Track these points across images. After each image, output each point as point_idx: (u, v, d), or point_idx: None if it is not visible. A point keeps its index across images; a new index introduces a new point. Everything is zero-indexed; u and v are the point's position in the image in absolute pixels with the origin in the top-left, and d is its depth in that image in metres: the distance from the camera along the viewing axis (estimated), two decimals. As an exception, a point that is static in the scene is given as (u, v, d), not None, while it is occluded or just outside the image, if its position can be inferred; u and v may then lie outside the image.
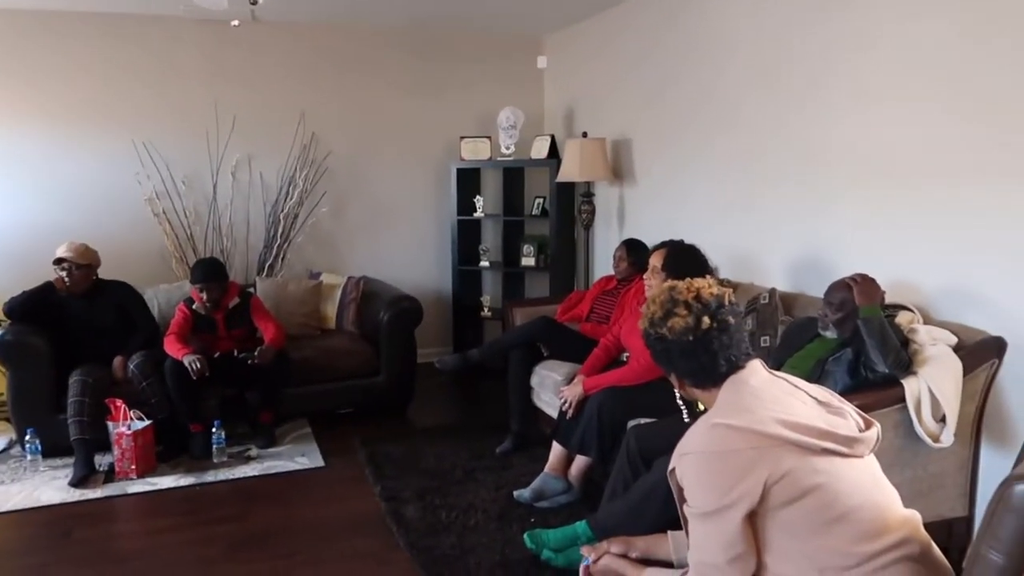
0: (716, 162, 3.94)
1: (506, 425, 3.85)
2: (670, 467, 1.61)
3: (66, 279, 3.80)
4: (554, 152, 5.16)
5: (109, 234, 4.68)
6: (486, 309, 5.48)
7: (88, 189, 4.81)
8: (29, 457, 3.65)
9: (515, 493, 3.20)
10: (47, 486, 3.46)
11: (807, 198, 3.37)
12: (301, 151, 5.18)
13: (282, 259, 5.15)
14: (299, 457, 3.78)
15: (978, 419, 2.55)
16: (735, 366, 1.59)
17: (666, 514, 2.52)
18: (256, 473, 3.61)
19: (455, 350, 5.27)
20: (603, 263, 4.97)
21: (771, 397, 1.56)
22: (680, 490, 1.57)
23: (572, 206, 5.22)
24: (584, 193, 4.89)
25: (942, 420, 2.41)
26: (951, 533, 2.54)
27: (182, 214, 4.99)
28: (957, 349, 2.48)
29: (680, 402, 2.90)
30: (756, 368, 1.62)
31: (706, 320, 1.59)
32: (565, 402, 3.25)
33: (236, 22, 3.91)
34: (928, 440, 2.36)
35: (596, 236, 5.02)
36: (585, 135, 4.75)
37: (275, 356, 3.91)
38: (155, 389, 3.76)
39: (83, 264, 3.85)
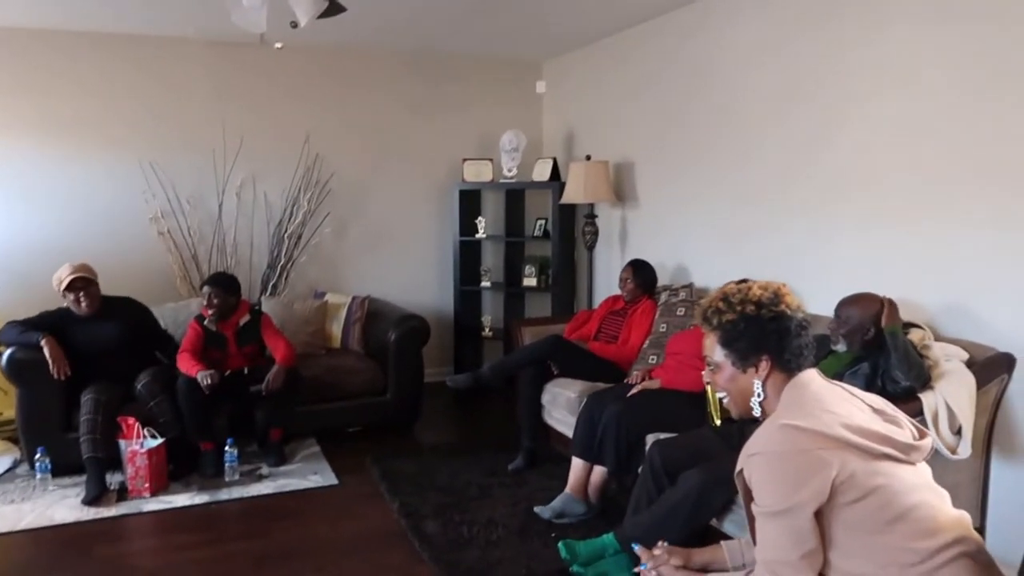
0: (720, 187, 4.06)
1: (516, 443, 3.89)
2: (737, 468, 1.65)
3: (82, 299, 3.78)
4: (556, 174, 5.26)
5: (113, 252, 4.68)
6: (487, 329, 5.53)
7: (93, 208, 4.80)
8: (39, 476, 3.62)
9: (536, 509, 3.25)
10: (59, 505, 3.44)
11: (812, 224, 3.49)
12: (305, 172, 5.22)
13: (286, 279, 5.17)
14: (312, 475, 3.79)
15: (989, 432, 2.66)
16: (807, 363, 1.67)
17: (693, 526, 2.60)
18: (270, 491, 3.61)
19: (456, 370, 5.31)
20: (605, 283, 5.06)
21: (832, 401, 1.62)
22: (748, 491, 1.61)
23: (574, 227, 5.31)
24: (587, 215, 4.98)
25: (957, 433, 2.50)
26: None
27: (187, 233, 5.00)
28: (969, 365, 2.59)
29: (713, 408, 2.93)
30: (814, 374, 1.70)
31: (802, 312, 1.69)
32: (634, 386, 3.42)
33: (279, 44, 3.98)
34: (947, 452, 2.45)
35: (598, 257, 5.11)
36: (589, 158, 4.86)
37: (286, 377, 3.92)
38: (164, 408, 3.75)
39: (93, 280, 3.85)
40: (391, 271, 5.56)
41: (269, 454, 3.96)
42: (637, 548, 2.03)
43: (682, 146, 4.34)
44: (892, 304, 2.70)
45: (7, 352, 3.73)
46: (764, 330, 1.67)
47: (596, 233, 4.97)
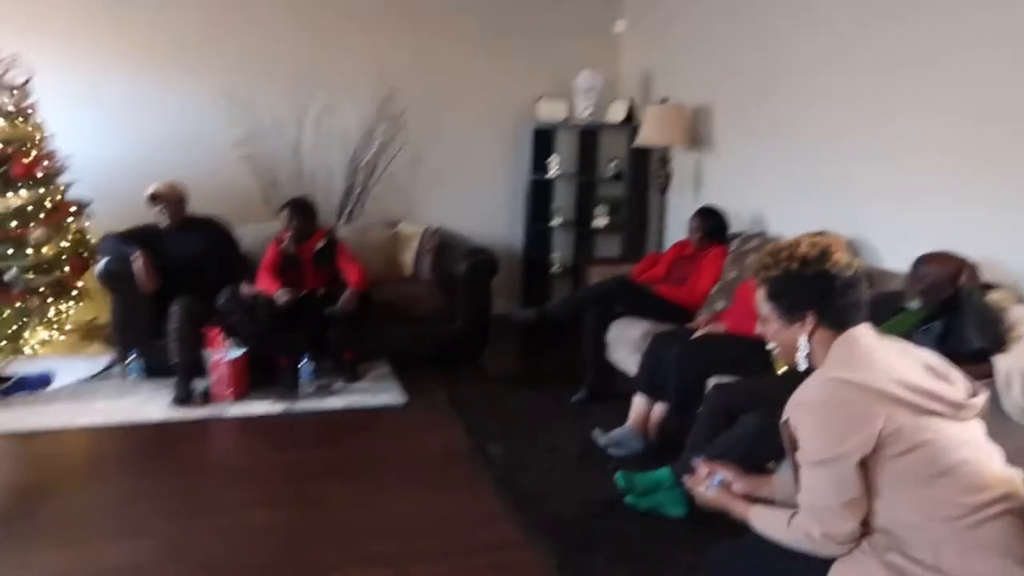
0: (799, 134, 3.96)
1: (580, 377, 3.98)
2: (783, 418, 1.68)
3: (163, 213, 4.00)
4: (631, 116, 5.20)
5: (200, 175, 4.84)
6: (556, 267, 5.59)
7: (181, 132, 5.00)
8: (132, 376, 3.90)
9: (594, 432, 3.35)
10: (151, 404, 3.70)
11: (894, 174, 3.39)
12: (380, 104, 5.29)
13: (361, 207, 5.31)
14: (382, 394, 3.97)
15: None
16: (858, 320, 1.67)
17: (747, 468, 2.64)
18: (342, 406, 3.81)
19: (524, 305, 5.40)
20: (676, 227, 5.03)
21: (882, 356, 1.63)
22: (793, 439, 1.65)
23: (647, 170, 5.27)
24: (661, 158, 4.94)
25: (1029, 396, 2.46)
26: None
27: (267, 158, 5.15)
28: (1049, 329, 2.52)
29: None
30: (866, 329, 1.70)
31: (857, 263, 1.69)
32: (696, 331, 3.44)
33: None
34: (1016, 415, 2.42)
35: (670, 201, 5.08)
36: (665, 100, 4.78)
37: (358, 301, 4.08)
38: (243, 323, 3.95)
39: (174, 199, 4.05)
40: (463, 205, 5.64)
41: (342, 372, 4.15)
42: (698, 460, 2.08)
43: (762, 91, 4.24)
44: (972, 266, 2.64)
45: (103, 261, 3.98)
46: (807, 288, 1.68)
47: (669, 177, 4.92)
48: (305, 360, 3.93)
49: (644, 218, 5.35)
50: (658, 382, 3.29)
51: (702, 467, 2.03)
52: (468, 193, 5.66)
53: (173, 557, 2.48)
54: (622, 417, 3.39)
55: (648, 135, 4.73)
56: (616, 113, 5.29)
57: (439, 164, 5.56)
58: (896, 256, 3.16)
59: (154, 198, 3.99)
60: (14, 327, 4.03)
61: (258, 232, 4.62)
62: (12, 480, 3.00)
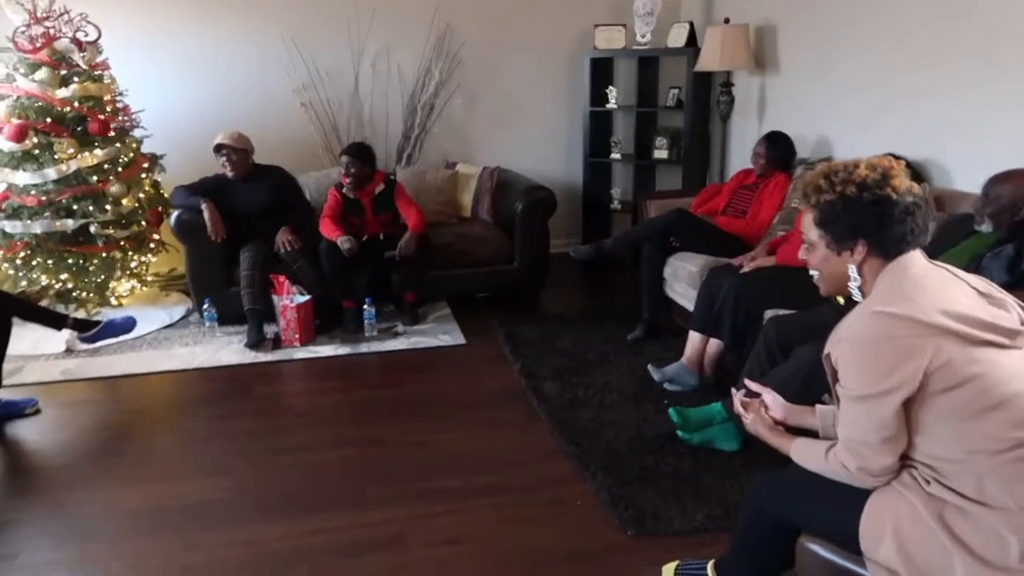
0: (866, 54, 3.74)
1: (637, 314, 3.97)
2: (825, 351, 1.64)
3: (227, 164, 4.12)
4: (692, 40, 5.00)
5: (263, 124, 4.95)
6: (616, 202, 5.52)
7: (245, 82, 5.10)
8: (207, 323, 4.10)
9: (649, 367, 3.37)
10: (225, 349, 3.90)
11: (965, 96, 3.18)
12: (436, 42, 5.25)
13: (419, 149, 5.34)
14: (442, 335, 4.06)
15: None
16: (911, 247, 1.60)
17: (801, 401, 2.61)
18: (404, 347, 3.92)
19: (584, 242, 5.37)
20: (739, 156, 4.87)
21: (932, 286, 1.56)
22: (835, 372, 1.62)
23: (709, 97, 5.09)
24: (723, 83, 4.75)
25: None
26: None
27: (326, 104, 5.22)
28: None
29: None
30: (917, 257, 1.62)
31: (918, 189, 1.61)
32: (742, 267, 3.38)
33: None
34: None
35: (733, 129, 4.90)
36: (727, 21, 4.57)
37: (417, 244, 4.14)
38: (306, 271, 4.07)
39: (240, 149, 4.15)
40: (521, 142, 5.59)
41: (404, 314, 4.26)
42: (749, 383, 2.06)
43: (828, 8, 3.99)
44: None
45: (175, 214, 4.15)
46: (863, 214, 1.58)
47: (732, 102, 4.74)
48: (368, 303, 4.04)
49: (706, 148, 5.20)
50: (713, 317, 3.25)
51: (748, 389, 2.02)
52: (526, 130, 5.60)
53: (250, 492, 2.65)
54: (678, 354, 3.38)
55: (709, 59, 4.55)
56: (676, 38, 5.09)
57: (496, 101, 5.51)
58: (968, 177, 2.99)
59: (220, 149, 4.12)
60: (101, 278, 4.28)
61: (320, 180, 4.73)
62: (102, 421, 3.24)
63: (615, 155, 5.45)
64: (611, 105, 5.33)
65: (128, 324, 3.70)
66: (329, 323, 4.15)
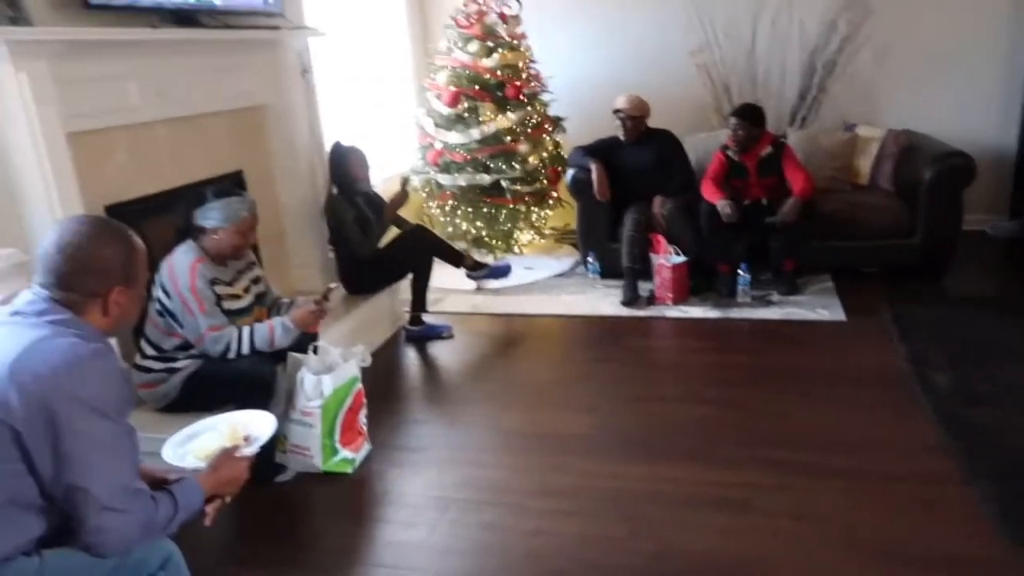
0: None
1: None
2: None
3: (621, 127, 4.35)
4: None
5: (658, 86, 5.09)
6: (1060, 172, 4.59)
7: (643, 46, 5.32)
8: (590, 276, 4.46)
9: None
10: (603, 301, 4.20)
11: None
12: (846, -9, 4.85)
13: (816, 110, 5.03)
14: (820, 309, 3.84)
15: None
16: None
17: None
18: (776, 317, 3.81)
19: (1010, 217, 4.57)
20: None
21: None
22: None
23: None
24: None
25: None
26: None
27: (721, 65, 5.17)
28: None
29: None
30: None
31: None
32: None
33: None
34: None
35: None
36: None
37: (801, 210, 3.94)
38: (683, 233, 4.14)
39: (635, 115, 4.32)
40: (939, 101, 4.92)
41: (781, 283, 4.12)
42: None
43: None
44: None
45: (571, 172, 4.54)
46: None
47: None
48: (744, 269, 3.99)
49: None
50: None
51: None
52: (945, 88, 4.92)
53: (611, 432, 2.87)
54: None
55: None
56: None
57: (911, 56, 4.93)
58: None
59: (617, 112, 4.36)
60: (507, 227, 4.90)
61: (708, 141, 4.74)
62: (493, 351, 3.76)
63: (1066, 115, 4.51)
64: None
65: (506, 270, 4.21)
66: (703, 285, 4.19)
